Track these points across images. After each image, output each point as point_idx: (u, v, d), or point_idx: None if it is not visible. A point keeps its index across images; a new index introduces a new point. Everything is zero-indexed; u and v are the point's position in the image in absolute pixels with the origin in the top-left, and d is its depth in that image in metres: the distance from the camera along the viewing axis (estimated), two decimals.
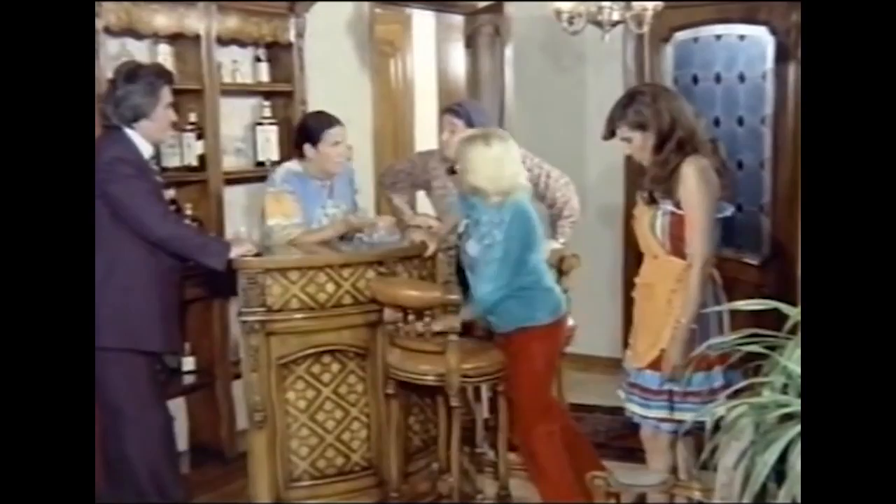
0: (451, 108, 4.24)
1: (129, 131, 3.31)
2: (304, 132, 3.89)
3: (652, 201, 3.14)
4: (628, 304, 5.76)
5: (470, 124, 4.13)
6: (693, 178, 3.03)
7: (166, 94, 3.40)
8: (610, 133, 3.24)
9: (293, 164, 3.90)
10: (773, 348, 2.05)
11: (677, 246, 3.09)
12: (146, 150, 3.38)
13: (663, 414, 3.11)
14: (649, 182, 3.15)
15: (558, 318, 3.58)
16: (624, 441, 4.49)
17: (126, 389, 3.29)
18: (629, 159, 5.68)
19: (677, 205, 3.07)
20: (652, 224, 3.13)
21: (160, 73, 3.46)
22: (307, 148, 3.85)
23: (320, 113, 4.03)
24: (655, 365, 3.10)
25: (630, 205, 5.77)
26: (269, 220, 3.79)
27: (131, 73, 3.36)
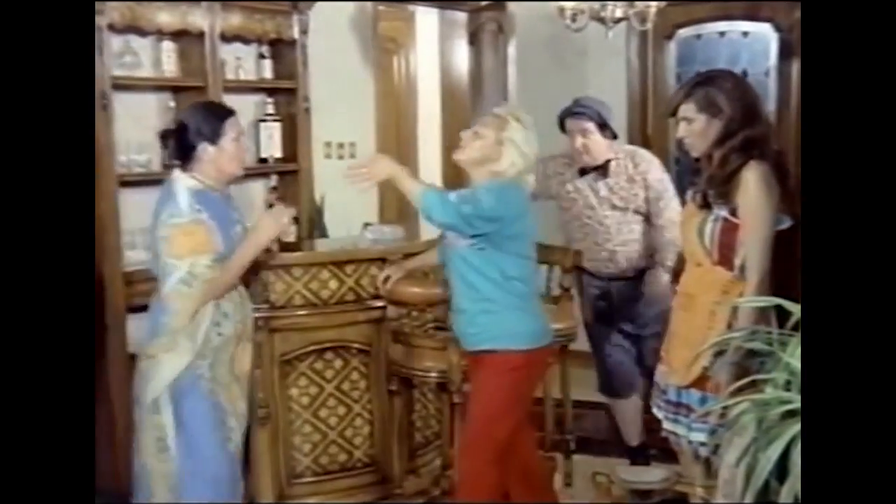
0: (575, 112, 3.93)
1: None
2: (197, 128, 3.04)
3: (704, 205, 2.87)
4: None
5: (602, 122, 3.92)
6: (754, 185, 2.74)
7: None
8: (672, 111, 2.95)
9: (188, 180, 3.02)
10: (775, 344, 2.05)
11: (726, 255, 2.81)
12: None
13: (703, 438, 2.80)
14: (706, 182, 2.87)
15: (540, 346, 3.15)
16: None
17: None
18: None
19: (732, 212, 2.79)
20: (700, 229, 2.85)
21: None
22: (204, 148, 3.03)
23: (210, 103, 3.42)
24: (699, 384, 2.80)
25: None
26: (182, 262, 2.93)
27: None
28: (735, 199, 2.78)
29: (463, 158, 3.15)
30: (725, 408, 2.24)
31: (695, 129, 2.86)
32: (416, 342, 3.51)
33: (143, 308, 3.75)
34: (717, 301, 2.80)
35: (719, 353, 2.56)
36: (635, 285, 4.01)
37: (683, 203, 3.08)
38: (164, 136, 3.30)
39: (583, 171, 4.01)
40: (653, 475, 3.66)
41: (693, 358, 2.71)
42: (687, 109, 2.87)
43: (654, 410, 3.06)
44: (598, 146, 3.94)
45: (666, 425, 2.98)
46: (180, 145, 3.07)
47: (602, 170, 3.97)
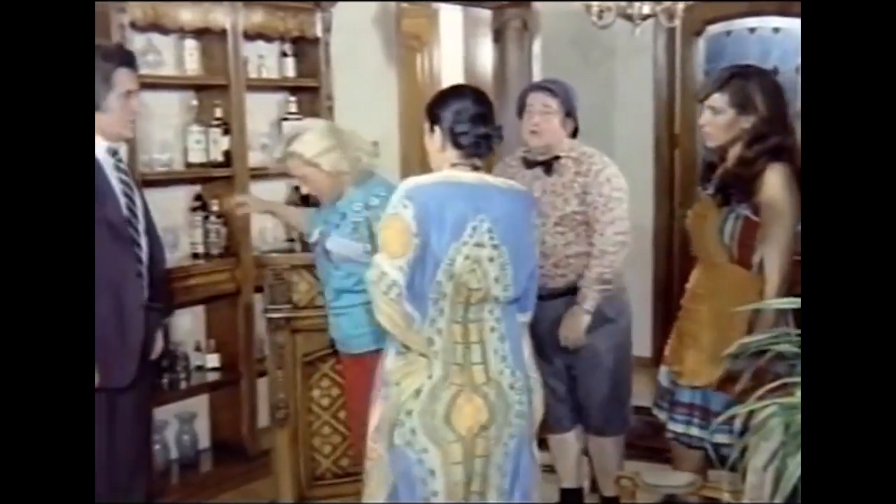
0: (542, 86, 3.50)
1: None
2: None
3: (724, 202, 2.80)
4: (656, 304, 5.73)
5: (568, 107, 3.47)
6: (779, 187, 2.70)
7: (123, 80, 2.86)
8: (703, 98, 2.87)
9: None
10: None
11: (745, 254, 2.77)
12: (99, 149, 2.84)
13: (727, 440, 2.71)
14: (724, 178, 2.81)
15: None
16: (649, 441, 4.43)
17: None
18: (658, 158, 5.69)
19: (755, 210, 2.74)
20: (720, 227, 2.79)
21: (111, 55, 2.89)
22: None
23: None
24: (722, 386, 2.70)
25: (660, 202, 5.73)
26: None
27: None
28: (758, 198, 2.73)
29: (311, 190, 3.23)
30: (751, 412, 2.13)
31: (719, 120, 2.81)
32: None
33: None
34: (733, 300, 2.70)
35: (745, 355, 2.51)
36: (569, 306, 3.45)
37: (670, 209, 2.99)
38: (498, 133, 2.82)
39: (529, 165, 3.50)
40: (679, 479, 3.59)
41: (711, 359, 2.66)
42: (718, 100, 2.80)
43: (655, 411, 3.02)
44: (554, 132, 3.43)
45: (674, 427, 2.94)
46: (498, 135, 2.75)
47: (547, 167, 3.46)
